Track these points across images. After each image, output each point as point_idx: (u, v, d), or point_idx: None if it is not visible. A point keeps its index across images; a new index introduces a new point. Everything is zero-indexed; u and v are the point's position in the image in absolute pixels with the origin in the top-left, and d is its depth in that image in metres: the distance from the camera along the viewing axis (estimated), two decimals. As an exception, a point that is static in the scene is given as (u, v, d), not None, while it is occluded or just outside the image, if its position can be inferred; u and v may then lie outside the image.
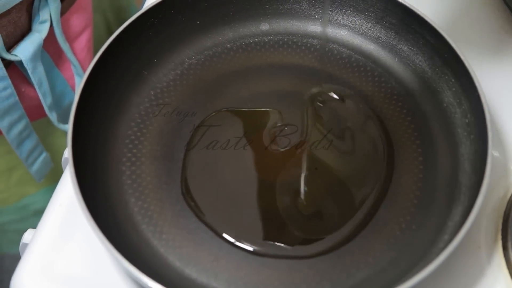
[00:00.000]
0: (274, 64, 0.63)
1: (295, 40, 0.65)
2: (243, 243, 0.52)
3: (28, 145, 0.76)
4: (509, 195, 0.56)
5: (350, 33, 0.64)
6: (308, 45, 0.64)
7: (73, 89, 0.79)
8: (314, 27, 0.65)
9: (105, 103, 0.58)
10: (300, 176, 0.56)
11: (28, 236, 0.57)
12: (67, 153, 0.52)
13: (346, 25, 0.64)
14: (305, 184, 0.55)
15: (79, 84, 0.56)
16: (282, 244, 0.52)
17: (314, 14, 0.65)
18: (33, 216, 0.87)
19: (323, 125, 0.59)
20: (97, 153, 0.56)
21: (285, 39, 0.65)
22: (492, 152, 0.51)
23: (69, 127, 0.53)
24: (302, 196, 0.55)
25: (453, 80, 0.58)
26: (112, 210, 0.53)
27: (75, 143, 0.52)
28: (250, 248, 0.52)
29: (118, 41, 0.58)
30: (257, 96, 0.61)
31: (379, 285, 0.50)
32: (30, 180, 0.83)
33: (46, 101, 0.74)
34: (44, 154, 0.80)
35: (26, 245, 0.56)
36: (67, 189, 0.56)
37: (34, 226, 0.56)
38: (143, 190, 0.55)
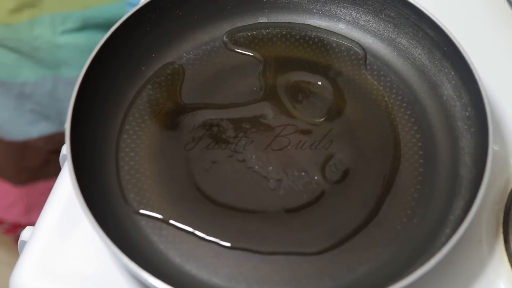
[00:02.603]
0: (272, 57, 0.63)
1: (293, 33, 0.64)
2: (241, 244, 0.52)
3: None
4: (510, 188, 0.56)
5: (348, 26, 0.64)
6: (307, 38, 0.64)
7: None
8: (313, 21, 0.65)
9: (103, 99, 0.57)
10: (301, 173, 0.55)
11: (26, 233, 0.57)
12: (65, 149, 0.52)
13: (344, 19, 0.64)
14: (307, 181, 0.55)
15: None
16: (282, 242, 0.52)
17: (312, 8, 0.65)
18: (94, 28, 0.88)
19: (322, 118, 0.59)
20: (96, 149, 0.56)
21: (284, 32, 0.65)
22: (493, 146, 0.51)
23: (66, 123, 0.52)
24: (304, 193, 0.54)
25: (452, 73, 0.58)
26: (111, 206, 0.53)
27: (73, 139, 0.52)
28: (250, 247, 0.52)
29: (115, 36, 0.58)
30: (256, 91, 0.61)
31: (380, 279, 0.49)
32: None
33: None
34: None
35: (24, 242, 0.56)
36: (66, 185, 0.56)
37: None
38: (142, 185, 0.55)
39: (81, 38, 0.88)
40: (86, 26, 0.87)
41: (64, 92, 0.91)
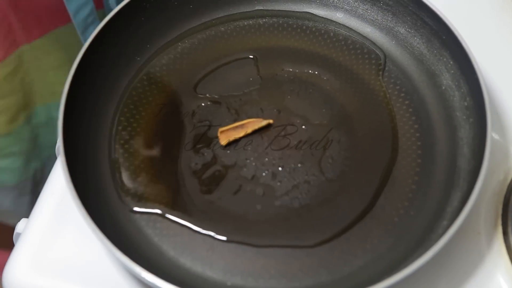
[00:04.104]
0: (269, 47, 0.62)
1: (290, 22, 0.64)
2: (237, 238, 0.51)
3: (92, 31, 0.75)
4: (509, 179, 0.55)
5: (346, 15, 0.63)
6: (304, 27, 0.63)
7: None
8: (310, 9, 0.64)
9: (97, 90, 0.57)
10: (297, 166, 0.55)
11: (21, 225, 0.56)
12: (59, 141, 0.51)
13: (342, 8, 0.63)
14: (303, 173, 0.54)
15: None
16: (278, 235, 0.51)
17: (310, -4, 0.64)
18: None
19: (319, 108, 0.58)
20: (89, 140, 0.55)
21: (280, 22, 0.64)
22: (492, 135, 0.50)
23: (59, 115, 0.52)
24: (300, 185, 0.54)
25: (451, 62, 0.57)
26: (104, 199, 0.53)
27: (66, 131, 0.52)
28: (245, 240, 0.51)
29: (110, 27, 0.57)
30: (252, 81, 0.60)
31: (376, 272, 0.49)
32: None
33: None
34: None
35: (19, 234, 0.55)
36: (60, 178, 0.56)
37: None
38: (136, 177, 0.54)
39: None
40: None
41: None
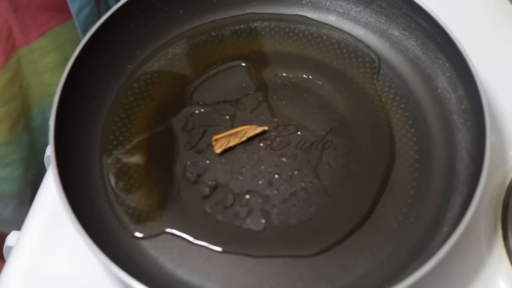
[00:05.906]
0: (261, 52, 0.61)
1: (282, 26, 0.63)
2: (233, 248, 0.50)
3: None
4: (507, 182, 0.55)
5: (339, 18, 0.62)
6: (296, 31, 0.62)
7: None
8: (302, 12, 0.63)
9: (88, 99, 0.56)
10: (294, 173, 0.54)
11: (12, 238, 0.55)
12: (50, 151, 0.50)
13: (334, 10, 0.62)
14: (300, 181, 0.53)
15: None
16: (276, 245, 0.50)
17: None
18: None
19: (313, 114, 0.57)
20: (81, 151, 0.54)
21: (272, 25, 0.63)
22: (490, 139, 0.49)
23: (50, 126, 0.51)
24: (297, 193, 0.53)
25: (447, 65, 0.56)
26: (98, 210, 0.52)
27: (57, 141, 0.50)
28: (243, 250, 0.50)
29: (99, 34, 0.56)
30: (245, 87, 0.59)
31: (377, 280, 0.48)
32: None
33: None
34: None
35: (10, 248, 0.54)
36: (51, 189, 0.54)
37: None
38: (130, 188, 0.53)
39: None
40: None
41: None
